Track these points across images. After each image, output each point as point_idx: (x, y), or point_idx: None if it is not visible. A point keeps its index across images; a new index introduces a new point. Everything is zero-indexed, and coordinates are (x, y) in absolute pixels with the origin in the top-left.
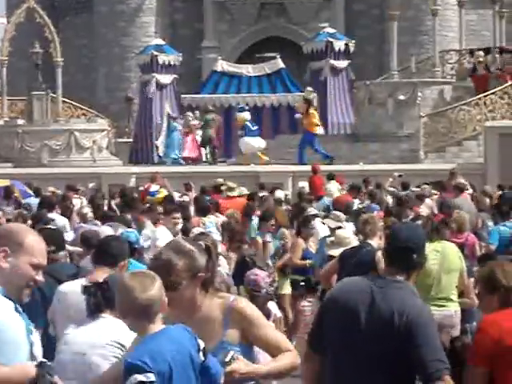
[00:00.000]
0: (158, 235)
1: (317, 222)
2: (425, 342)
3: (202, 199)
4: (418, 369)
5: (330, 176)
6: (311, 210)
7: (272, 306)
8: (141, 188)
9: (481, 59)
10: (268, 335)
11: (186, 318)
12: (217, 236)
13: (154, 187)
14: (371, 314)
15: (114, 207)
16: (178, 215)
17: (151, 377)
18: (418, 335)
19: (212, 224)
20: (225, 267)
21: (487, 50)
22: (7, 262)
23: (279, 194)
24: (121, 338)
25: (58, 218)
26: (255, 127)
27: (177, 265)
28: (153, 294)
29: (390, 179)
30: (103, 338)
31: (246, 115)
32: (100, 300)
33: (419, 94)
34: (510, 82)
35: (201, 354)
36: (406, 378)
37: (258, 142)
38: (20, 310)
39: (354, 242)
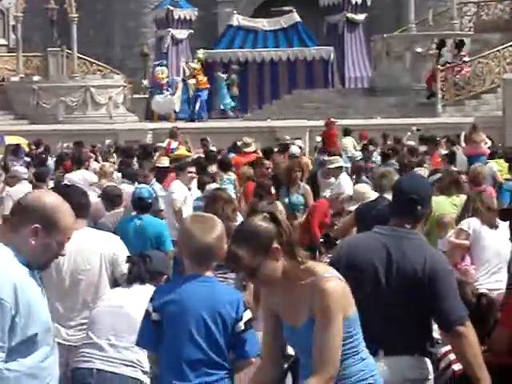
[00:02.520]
0: (173, 189)
1: (342, 175)
2: (445, 290)
3: (224, 155)
4: (439, 316)
5: (347, 131)
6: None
7: None
8: (159, 144)
9: None
10: (317, 342)
11: (280, 291)
12: (231, 193)
13: (173, 144)
14: (390, 268)
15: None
16: (193, 169)
17: (152, 315)
18: (439, 284)
19: (230, 180)
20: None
21: None
22: (37, 240)
23: (294, 149)
24: None
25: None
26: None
27: (243, 257)
28: (210, 241)
29: (408, 133)
30: (140, 297)
31: (165, 70)
32: (142, 271)
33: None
34: None
35: (241, 323)
36: (423, 326)
37: (171, 102)
38: (35, 275)
39: (372, 196)
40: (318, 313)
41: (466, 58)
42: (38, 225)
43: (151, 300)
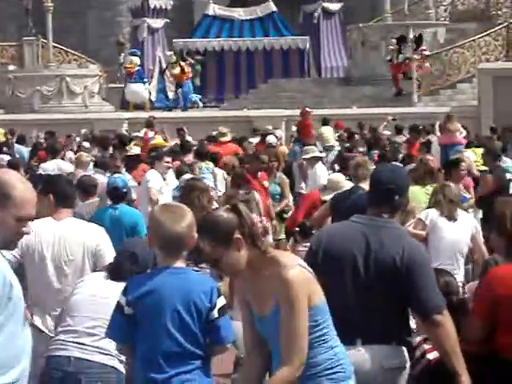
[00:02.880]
0: (148, 178)
1: (318, 165)
2: (423, 279)
3: (202, 144)
4: (417, 305)
5: (325, 121)
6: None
7: None
8: (135, 134)
9: None
10: (283, 331)
11: (248, 280)
12: (209, 182)
13: (150, 133)
14: (368, 257)
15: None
16: (169, 159)
17: (125, 309)
18: (416, 273)
19: (208, 170)
20: None
21: None
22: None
23: (271, 139)
24: None
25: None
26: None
27: (204, 248)
28: (180, 230)
29: (384, 123)
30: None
31: (137, 60)
32: (127, 271)
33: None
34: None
35: (215, 311)
36: (401, 315)
37: (144, 90)
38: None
39: (347, 186)
40: (282, 302)
41: (427, 52)
42: None
43: (124, 293)
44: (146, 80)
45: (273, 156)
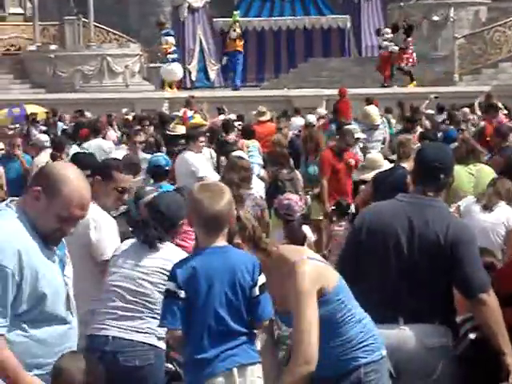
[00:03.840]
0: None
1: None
2: (469, 258)
3: (248, 123)
4: (462, 283)
5: (369, 100)
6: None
7: (306, 229)
8: (175, 113)
9: None
10: (292, 327)
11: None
12: (258, 159)
13: (189, 112)
14: (412, 235)
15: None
16: (203, 138)
17: (180, 293)
18: (463, 252)
19: (255, 147)
20: (260, 189)
21: None
22: (36, 205)
23: (310, 117)
24: (170, 265)
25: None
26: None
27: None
28: (220, 209)
29: (427, 101)
30: (155, 265)
31: (172, 40)
32: (157, 229)
33: (451, 14)
34: None
35: (256, 288)
36: (445, 294)
37: (179, 70)
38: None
39: (385, 165)
40: (290, 298)
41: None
42: (39, 187)
43: (173, 279)
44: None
45: (310, 137)
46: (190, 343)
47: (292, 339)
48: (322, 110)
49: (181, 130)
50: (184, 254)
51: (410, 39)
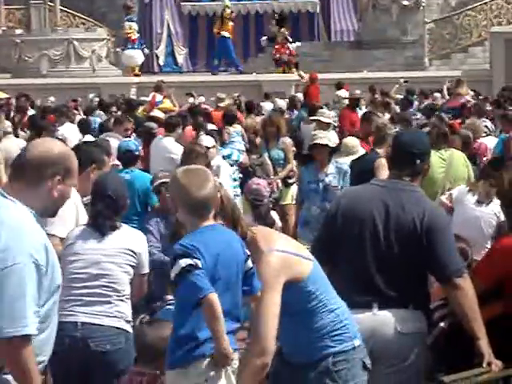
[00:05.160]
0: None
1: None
2: (444, 243)
3: (230, 108)
4: (437, 268)
5: (339, 85)
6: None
7: (274, 215)
8: (143, 98)
9: None
10: (253, 315)
11: None
12: (239, 145)
13: (158, 97)
14: (388, 220)
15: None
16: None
17: (198, 263)
18: (438, 237)
19: (238, 133)
20: (224, 175)
21: None
22: (57, 190)
23: (280, 103)
24: (133, 245)
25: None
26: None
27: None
28: (208, 192)
29: (396, 85)
30: (116, 246)
31: (135, 26)
32: (109, 213)
33: None
34: None
35: (249, 261)
36: (419, 279)
37: (140, 56)
38: (40, 219)
39: (361, 151)
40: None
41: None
42: (58, 176)
43: (184, 255)
44: (144, 46)
45: (269, 122)
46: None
47: (251, 326)
48: (299, 94)
49: (158, 113)
50: (139, 233)
51: (283, 30)
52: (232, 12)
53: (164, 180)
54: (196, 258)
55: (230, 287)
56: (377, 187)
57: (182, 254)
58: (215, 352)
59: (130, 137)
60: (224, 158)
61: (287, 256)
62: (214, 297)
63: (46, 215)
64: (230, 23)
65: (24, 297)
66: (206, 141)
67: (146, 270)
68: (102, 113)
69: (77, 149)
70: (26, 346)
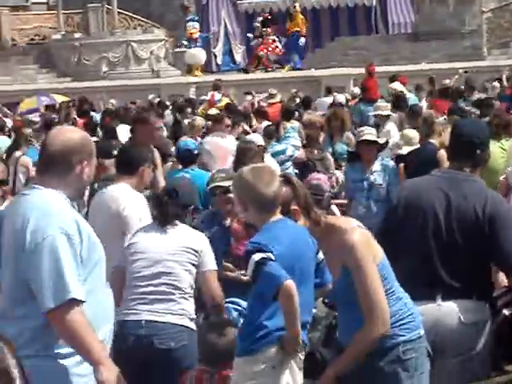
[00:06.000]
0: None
1: (390, 123)
2: (507, 231)
3: (288, 104)
4: (500, 257)
5: (393, 77)
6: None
7: (334, 209)
8: (204, 97)
9: None
10: (361, 292)
11: None
12: (294, 141)
13: (217, 95)
14: (449, 211)
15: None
16: (229, 121)
17: (271, 255)
18: (500, 225)
19: (294, 129)
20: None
21: None
22: (85, 174)
23: (340, 97)
24: (194, 244)
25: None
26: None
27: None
28: (276, 188)
29: (456, 76)
30: (178, 245)
31: (197, 25)
32: (172, 213)
33: None
34: None
35: (319, 254)
36: (482, 269)
37: (203, 54)
38: (74, 205)
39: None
40: (352, 267)
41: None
42: (85, 161)
43: (257, 250)
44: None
45: (333, 116)
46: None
47: (363, 302)
48: (356, 89)
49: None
50: (198, 232)
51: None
52: (300, 7)
53: (219, 184)
54: (268, 252)
55: (303, 279)
56: (437, 178)
57: (255, 250)
58: (285, 339)
59: (230, 133)
60: (278, 153)
61: (368, 233)
62: (291, 284)
63: (77, 197)
64: (300, 16)
65: (61, 266)
66: (256, 138)
67: (211, 267)
68: (168, 112)
69: (128, 149)
70: (74, 310)
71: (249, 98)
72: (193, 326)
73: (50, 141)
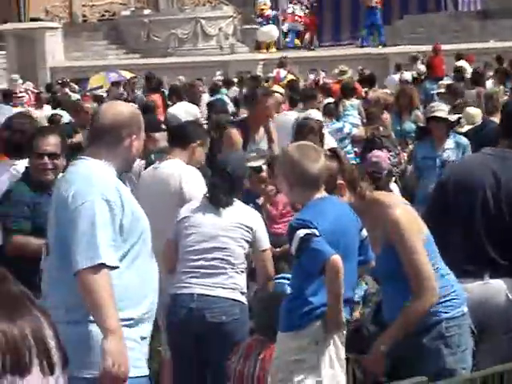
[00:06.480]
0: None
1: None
2: None
3: (347, 81)
4: None
5: (459, 56)
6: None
7: (394, 187)
8: (270, 74)
9: None
10: (408, 266)
11: None
12: (353, 119)
13: (282, 73)
14: (498, 189)
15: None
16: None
17: (315, 231)
18: None
19: (353, 107)
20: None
21: None
22: (134, 147)
23: (406, 75)
24: (248, 221)
25: (188, 106)
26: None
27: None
28: (321, 165)
29: None
30: (232, 221)
31: (268, 1)
32: (225, 189)
33: None
34: None
35: (363, 231)
36: None
37: (275, 31)
38: (122, 178)
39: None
40: (397, 241)
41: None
42: (134, 135)
43: (302, 226)
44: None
45: (408, 93)
46: None
47: (412, 275)
48: (422, 67)
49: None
50: (254, 211)
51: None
52: None
53: (251, 164)
54: (313, 228)
55: (347, 255)
56: (487, 156)
57: (300, 226)
58: (328, 316)
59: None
60: (336, 131)
61: (412, 209)
62: (337, 258)
63: (126, 169)
64: None
65: (95, 230)
66: (314, 114)
67: (266, 245)
68: (235, 89)
69: (183, 126)
70: (100, 274)
71: (312, 76)
72: (244, 299)
73: (101, 114)
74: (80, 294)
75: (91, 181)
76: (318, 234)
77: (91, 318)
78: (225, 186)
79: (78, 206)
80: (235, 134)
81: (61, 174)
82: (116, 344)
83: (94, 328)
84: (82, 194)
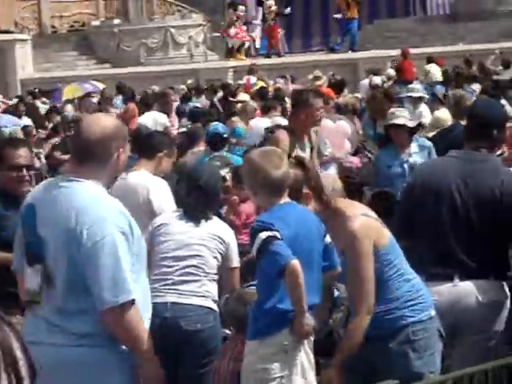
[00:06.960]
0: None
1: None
2: None
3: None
4: None
5: (430, 59)
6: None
7: (368, 192)
8: (240, 82)
9: None
10: (349, 278)
11: None
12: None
13: (252, 79)
14: (465, 191)
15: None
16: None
17: (277, 234)
18: None
19: None
20: None
21: None
22: (121, 160)
23: (376, 79)
24: (224, 235)
25: (157, 116)
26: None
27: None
28: (284, 171)
29: (492, 57)
30: (209, 232)
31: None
32: (200, 205)
33: None
34: None
35: (327, 236)
36: (499, 249)
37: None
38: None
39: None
40: (347, 251)
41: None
42: (121, 148)
43: (264, 229)
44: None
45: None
46: None
47: (351, 288)
48: (391, 71)
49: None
50: (227, 225)
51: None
52: None
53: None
54: (275, 230)
55: (310, 261)
56: (453, 159)
57: (261, 229)
58: (295, 323)
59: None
60: None
61: (371, 220)
62: (296, 263)
63: (109, 184)
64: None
65: (121, 265)
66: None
67: (235, 263)
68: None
69: (150, 136)
70: (134, 310)
71: (281, 81)
72: (216, 307)
73: (86, 129)
74: (98, 323)
75: (102, 211)
76: (279, 236)
77: (108, 342)
78: (199, 203)
79: (97, 241)
80: (284, 139)
81: (43, 192)
82: (153, 372)
83: (109, 352)
84: (99, 228)
